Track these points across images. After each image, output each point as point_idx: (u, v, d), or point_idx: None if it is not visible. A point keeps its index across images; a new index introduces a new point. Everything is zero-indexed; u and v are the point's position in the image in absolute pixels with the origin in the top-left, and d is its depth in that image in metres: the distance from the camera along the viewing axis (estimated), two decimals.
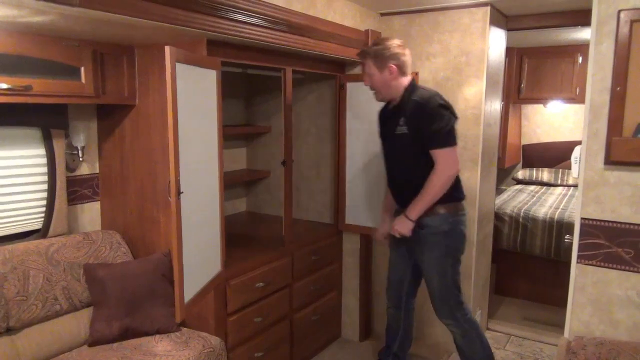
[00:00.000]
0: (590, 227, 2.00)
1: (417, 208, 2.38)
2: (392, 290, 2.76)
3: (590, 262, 2.01)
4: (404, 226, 2.43)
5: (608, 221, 1.96)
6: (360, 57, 2.49)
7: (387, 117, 2.55)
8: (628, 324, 1.96)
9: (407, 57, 2.44)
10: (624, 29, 1.80)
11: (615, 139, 1.87)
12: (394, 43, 2.42)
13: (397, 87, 2.43)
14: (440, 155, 2.32)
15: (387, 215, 2.74)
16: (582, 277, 2.03)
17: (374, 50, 2.42)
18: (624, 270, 1.95)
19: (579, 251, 2.02)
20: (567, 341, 1.95)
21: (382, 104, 2.61)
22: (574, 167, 3.70)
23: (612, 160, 1.90)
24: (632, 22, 1.78)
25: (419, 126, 2.34)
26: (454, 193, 2.44)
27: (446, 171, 2.33)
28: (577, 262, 2.03)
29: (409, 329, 2.82)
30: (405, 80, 2.44)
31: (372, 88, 2.47)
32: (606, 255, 1.98)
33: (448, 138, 2.34)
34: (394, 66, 2.39)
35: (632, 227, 1.92)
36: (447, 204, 2.42)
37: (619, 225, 1.94)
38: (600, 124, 1.92)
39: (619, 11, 1.82)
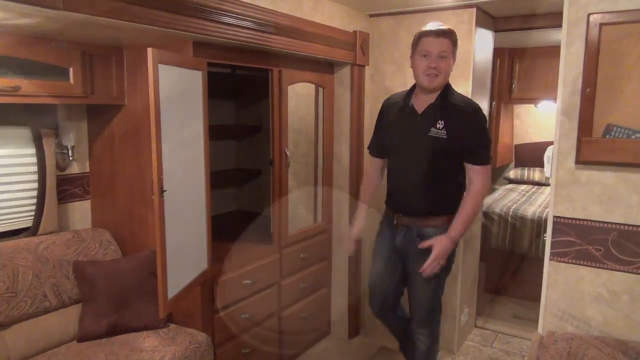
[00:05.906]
0: (563, 225, 2.04)
1: (461, 228, 2.19)
2: (375, 299, 2.57)
3: (562, 259, 2.05)
4: (446, 249, 2.19)
5: (579, 219, 2.01)
6: (447, 33, 2.19)
7: (408, 112, 2.30)
8: (599, 320, 2.01)
9: None
10: (594, 32, 1.84)
11: (585, 139, 1.92)
12: None
13: (446, 80, 2.26)
14: (480, 172, 2.18)
15: (364, 209, 2.57)
16: (554, 274, 2.08)
17: (457, 38, 2.23)
18: (595, 267, 2.00)
19: (551, 248, 2.07)
20: (540, 336, 1.99)
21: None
22: (547, 167, 3.76)
23: (582, 160, 1.95)
24: (601, 25, 1.83)
25: (462, 135, 2.16)
26: (456, 206, 2.28)
27: (484, 191, 2.21)
28: (550, 259, 2.07)
29: (403, 319, 2.63)
30: None
31: (434, 70, 2.18)
32: (578, 252, 2.02)
33: (490, 155, 2.23)
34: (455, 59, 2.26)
35: (602, 225, 1.97)
36: (448, 216, 2.27)
37: (589, 223, 1.99)
38: (572, 125, 1.97)
39: (589, 14, 1.87)
